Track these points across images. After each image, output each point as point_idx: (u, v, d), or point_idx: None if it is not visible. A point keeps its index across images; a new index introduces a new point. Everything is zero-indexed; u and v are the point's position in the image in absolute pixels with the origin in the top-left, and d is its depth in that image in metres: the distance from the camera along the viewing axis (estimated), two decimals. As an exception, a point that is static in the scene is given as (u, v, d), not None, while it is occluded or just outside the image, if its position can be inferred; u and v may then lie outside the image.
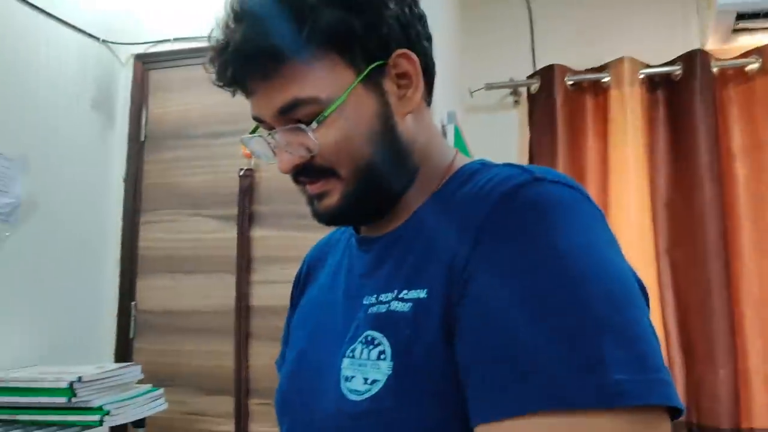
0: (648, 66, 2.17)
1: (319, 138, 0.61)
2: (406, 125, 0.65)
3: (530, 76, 2.30)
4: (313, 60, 0.60)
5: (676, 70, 2.13)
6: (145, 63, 2.04)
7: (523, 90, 2.35)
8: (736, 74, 2.09)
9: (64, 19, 1.83)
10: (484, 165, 0.66)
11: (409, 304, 0.58)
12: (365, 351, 0.60)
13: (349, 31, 0.61)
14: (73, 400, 1.37)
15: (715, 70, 2.08)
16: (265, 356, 1.82)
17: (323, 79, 0.60)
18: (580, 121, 2.20)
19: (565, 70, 2.23)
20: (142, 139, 2.01)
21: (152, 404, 1.57)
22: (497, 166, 0.64)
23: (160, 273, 1.94)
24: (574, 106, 2.22)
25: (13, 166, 1.65)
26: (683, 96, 2.11)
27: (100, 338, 1.93)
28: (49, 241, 1.76)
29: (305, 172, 0.64)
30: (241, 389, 1.80)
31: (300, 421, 0.68)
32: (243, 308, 1.82)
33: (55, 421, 1.39)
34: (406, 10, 0.66)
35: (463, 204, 0.60)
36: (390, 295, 0.61)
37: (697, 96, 2.07)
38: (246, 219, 1.85)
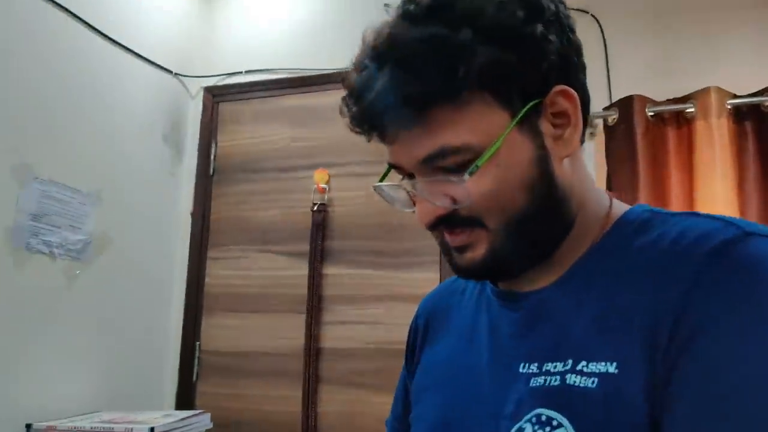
0: (735, 96, 2.05)
1: (468, 188, 0.54)
2: (564, 170, 0.58)
3: (607, 108, 2.20)
4: (465, 104, 0.53)
5: (766, 100, 2.00)
6: (215, 95, 2.02)
7: (599, 122, 2.25)
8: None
9: (138, 51, 1.82)
10: (656, 213, 0.58)
11: (594, 380, 0.51)
12: None
13: (508, 69, 0.54)
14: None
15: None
16: (334, 402, 1.72)
17: (475, 124, 0.54)
18: (662, 153, 2.09)
19: (645, 100, 2.12)
20: (211, 172, 1.97)
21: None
22: (679, 215, 0.56)
23: (226, 312, 1.87)
24: (656, 138, 2.11)
25: (88, 201, 1.62)
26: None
27: (162, 379, 1.86)
28: (117, 278, 1.71)
29: (447, 223, 0.57)
30: (311, 435, 1.70)
31: None
32: (313, 350, 1.73)
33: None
34: (565, 40, 0.58)
35: (650, 261, 0.52)
36: (560, 366, 0.53)
37: None
38: (318, 255, 1.77)
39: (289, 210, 1.85)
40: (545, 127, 0.57)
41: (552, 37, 0.56)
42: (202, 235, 1.93)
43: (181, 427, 1.41)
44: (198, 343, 1.88)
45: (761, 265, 0.47)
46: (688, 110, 2.06)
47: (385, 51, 0.55)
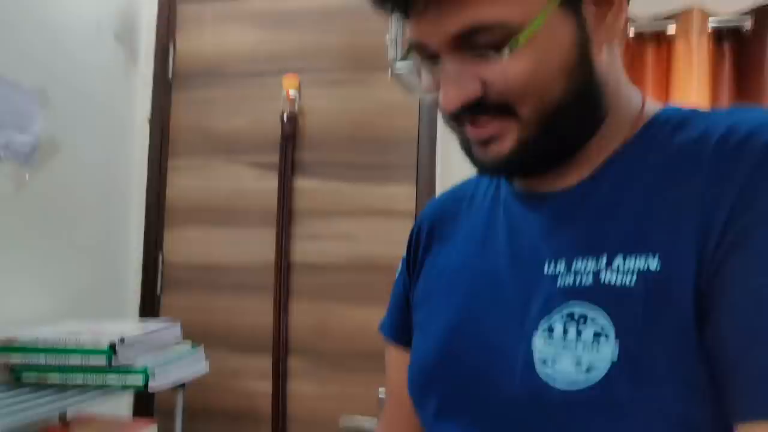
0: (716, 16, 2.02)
1: (505, 68, 0.50)
2: (602, 58, 0.53)
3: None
4: None
5: (746, 20, 1.98)
6: (172, -8, 1.84)
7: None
8: (810, 29, 1.95)
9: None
10: (694, 111, 0.55)
11: (632, 276, 0.48)
12: (571, 330, 0.50)
13: None
14: (113, 361, 1.25)
15: (788, 23, 1.94)
16: (306, 314, 1.70)
17: None
18: (639, 72, 2.06)
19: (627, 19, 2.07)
20: (170, 77, 1.82)
21: (195, 366, 1.44)
22: (719, 111, 0.53)
23: (191, 224, 1.79)
24: (635, 56, 2.07)
25: (32, 100, 1.47)
26: (752, 51, 1.97)
27: (125, 290, 1.79)
28: (69, 184, 1.60)
29: (474, 109, 0.52)
30: (281, 348, 1.68)
31: (461, 402, 0.58)
32: (284, 264, 1.68)
33: (93, 385, 1.27)
34: None
35: (698, 157, 0.49)
36: (592, 263, 0.51)
37: (767, 51, 1.93)
38: (289, 168, 1.69)
39: (256, 118, 1.74)
40: (588, 8, 0.52)
41: None
42: (162, 144, 1.81)
43: (151, 338, 1.36)
44: (161, 253, 1.80)
45: None
46: (669, 27, 2.02)
47: None
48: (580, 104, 0.53)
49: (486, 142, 0.54)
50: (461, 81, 0.51)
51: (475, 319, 0.59)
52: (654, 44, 2.11)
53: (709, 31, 2.01)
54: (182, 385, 1.47)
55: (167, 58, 1.83)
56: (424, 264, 0.70)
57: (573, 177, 0.57)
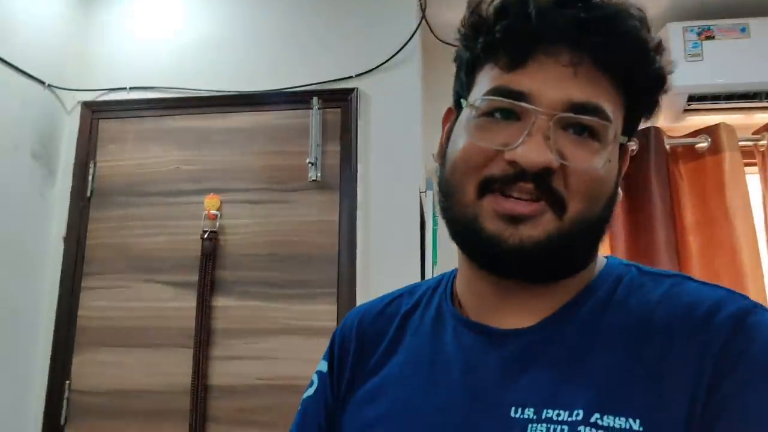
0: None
1: (599, 155, 0.53)
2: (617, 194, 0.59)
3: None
4: (623, 92, 0.56)
5: (631, 144, 2.20)
6: (95, 111, 1.87)
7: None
8: (686, 152, 2.20)
9: (6, 59, 1.64)
10: (641, 270, 0.60)
11: None
12: None
13: (654, 98, 0.59)
14: None
15: (668, 146, 2.18)
16: (222, 441, 1.63)
17: (617, 114, 0.55)
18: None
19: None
20: (89, 194, 1.81)
21: None
22: (667, 276, 0.58)
23: (102, 347, 1.71)
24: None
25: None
26: (638, 170, 2.18)
27: (24, 422, 1.66)
28: (-29, 310, 1.51)
29: (534, 180, 0.52)
30: (195, 480, 1.59)
31: None
32: (200, 387, 1.63)
33: None
34: None
35: (663, 324, 0.53)
36: (564, 414, 0.51)
37: (651, 170, 2.15)
38: (208, 286, 1.68)
39: (176, 237, 1.74)
40: (623, 148, 0.59)
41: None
42: (76, 263, 1.76)
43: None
44: (68, 382, 1.70)
45: None
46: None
47: None
48: (601, 229, 0.57)
49: (518, 220, 0.53)
50: (550, 146, 0.52)
51: None
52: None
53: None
54: None
55: (86, 175, 1.82)
56: (354, 390, 0.65)
57: (529, 315, 0.57)
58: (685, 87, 2.10)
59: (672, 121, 2.24)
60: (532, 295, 0.58)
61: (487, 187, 0.54)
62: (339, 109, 1.77)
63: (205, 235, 1.70)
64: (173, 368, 1.66)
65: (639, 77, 0.55)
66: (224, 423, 1.62)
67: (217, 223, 1.72)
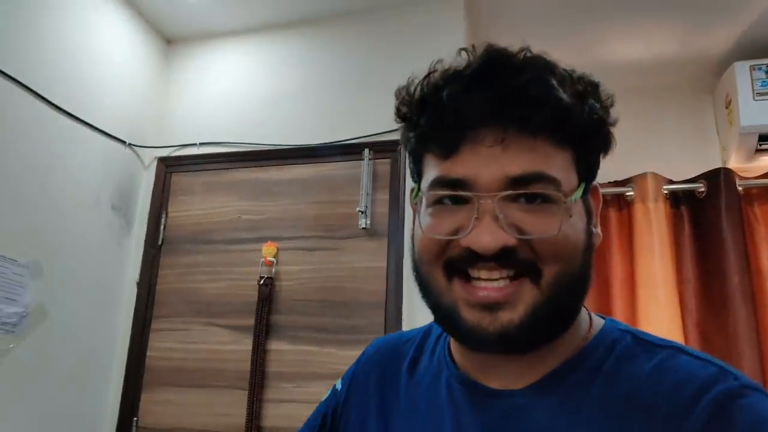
0: (671, 182, 2.16)
1: (550, 223, 0.52)
2: (593, 246, 0.57)
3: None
4: (561, 149, 0.54)
5: (700, 187, 2.11)
6: (168, 166, 2.04)
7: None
8: (762, 193, 2.08)
9: (92, 122, 1.83)
10: (636, 338, 0.58)
11: None
12: None
13: (599, 140, 0.57)
14: None
15: (740, 188, 2.07)
16: (274, 483, 1.67)
17: (564, 171, 0.54)
18: (604, 234, 2.16)
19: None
20: (160, 242, 1.96)
21: None
22: (662, 347, 0.56)
23: (166, 386, 1.82)
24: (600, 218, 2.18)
25: (25, 273, 1.59)
26: (709, 213, 2.08)
27: (96, 457, 1.79)
28: (54, 350, 1.67)
29: (502, 259, 0.52)
30: None
31: None
32: (253, 428, 1.69)
33: None
34: None
35: (650, 399, 0.52)
36: None
37: (723, 213, 2.04)
38: (263, 330, 1.76)
39: (235, 283, 1.84)
40: (590, 197, 0.59)
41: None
42: (147, 306, 1.90)
43: None
44: (136, 419, 1.82)
45: (762, 426, 0.48)
46: (627, 193, 2.16)
47: (534, 59, 0.54)
48: (582, 289, 0.56)
49: (494, 308, 0.52)
50: (506, 223, 0.51)
51: None
52: (616, 208, 2.23)
53: (665, 194, 2.13)
54: None
55: (159, 225, 1.98)
56: (349, 418, 0.69)
57: (521, 377, 0.57)
58: (756, 127, 2.00)
59: (744, 162, 2.13)
60: (522, 360, 0.57)
61: (452, 268, 0.55)
62: (389, 160, 1.83)
63: (262, 281, 1.79)
64: (229, 409, 1.74)
65: (571, 129, 0.54)
66: (274, 465, 1.67)
67: (273, 270, 1.81)
